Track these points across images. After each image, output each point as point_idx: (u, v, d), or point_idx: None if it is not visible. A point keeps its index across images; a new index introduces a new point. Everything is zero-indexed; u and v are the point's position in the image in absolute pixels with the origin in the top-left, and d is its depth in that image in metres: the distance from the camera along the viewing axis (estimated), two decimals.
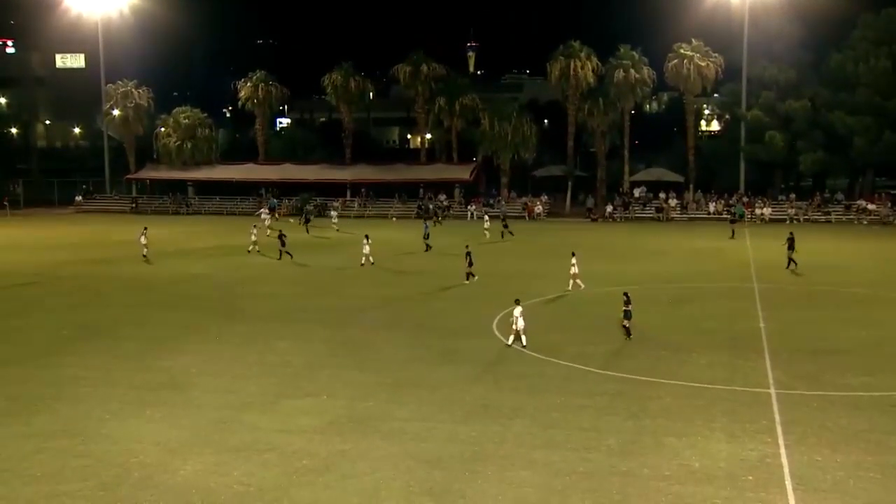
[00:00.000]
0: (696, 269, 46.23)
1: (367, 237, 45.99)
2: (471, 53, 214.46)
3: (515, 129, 77.99)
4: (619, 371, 25.67)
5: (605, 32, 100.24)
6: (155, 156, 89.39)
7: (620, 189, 79.78)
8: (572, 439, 20.04)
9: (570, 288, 38.12)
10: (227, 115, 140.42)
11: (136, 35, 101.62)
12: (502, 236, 55.78)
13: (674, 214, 74.85)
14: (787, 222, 71.06)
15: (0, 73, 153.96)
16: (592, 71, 77.70)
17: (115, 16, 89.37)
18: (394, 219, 73.17)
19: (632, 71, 76.57)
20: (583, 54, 77.71)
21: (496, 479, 17.86)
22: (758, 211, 73.11)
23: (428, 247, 51.88)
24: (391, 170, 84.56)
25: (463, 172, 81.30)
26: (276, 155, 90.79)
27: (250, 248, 51.09)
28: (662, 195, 77.30)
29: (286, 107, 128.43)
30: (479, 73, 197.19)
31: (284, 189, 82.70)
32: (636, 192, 79.31)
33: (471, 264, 40.53)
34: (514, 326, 28.56)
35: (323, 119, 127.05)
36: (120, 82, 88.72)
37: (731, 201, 75.31)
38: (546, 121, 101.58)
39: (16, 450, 19.55)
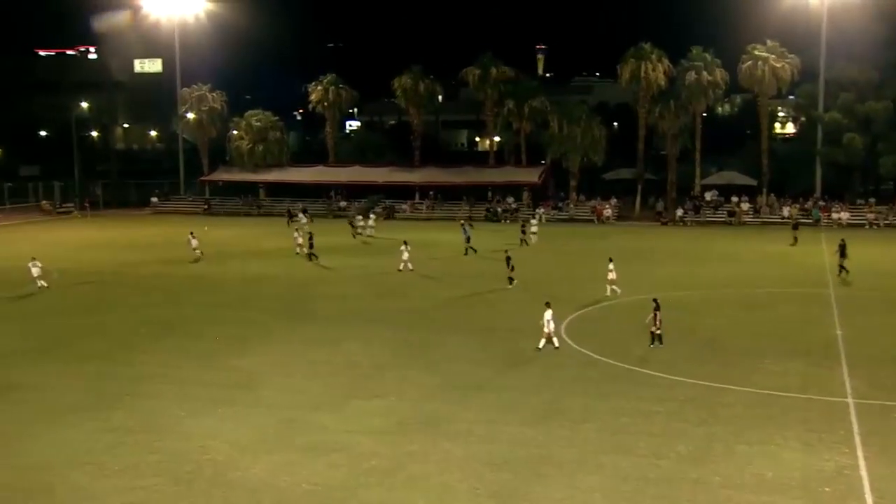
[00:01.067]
0: (769, 274, 45.26)
1: (405, 243, 45.95)
2: (540, 56, 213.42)
3: (585, 131, 77.37)
4: (689, 377, 25.28)
5: (676, 34, 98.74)
6: (227, 158, 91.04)
7: (692, 192, 78.59)
8: (641, 445, 19.82)
9: (608, 294, 37.45)
10: (298, 117, 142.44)
11: (210, 40, 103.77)
12: (521, 243, 54.33)
13: (746, 218, 73.43)
14: (866, 227, 69.13)
15: (82, 78, 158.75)
16: (664, 73, 76.67)
17: (191, 21, 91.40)
18: (462, 221, 73.27)
19: (704, 73, 75.33)
20: (654, 56, 76.72)
21: (564, 484, 17.76)
22: (835, 215, 71.30)
23: (472, 250, 51.66)
24: (459, 172, 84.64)
25: (531, 175, 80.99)
26: (346, 157, 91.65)
27: (297, 250, 51.45)
28: (735, 199, 75.90)
29: (356, 109, 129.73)
30: (548, 75, 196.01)
31: (353, 191, 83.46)
32: (707, 196, 78.03)
33: (512, 269, 40.20)
34: (544, 329, 28.43)
35: (392, 122, 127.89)
36: (195, 86, 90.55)
37: (806, 205, 73.59)
38: (616, 123, 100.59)
39: (96, 443, 20.15)
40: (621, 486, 17.56)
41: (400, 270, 44.68)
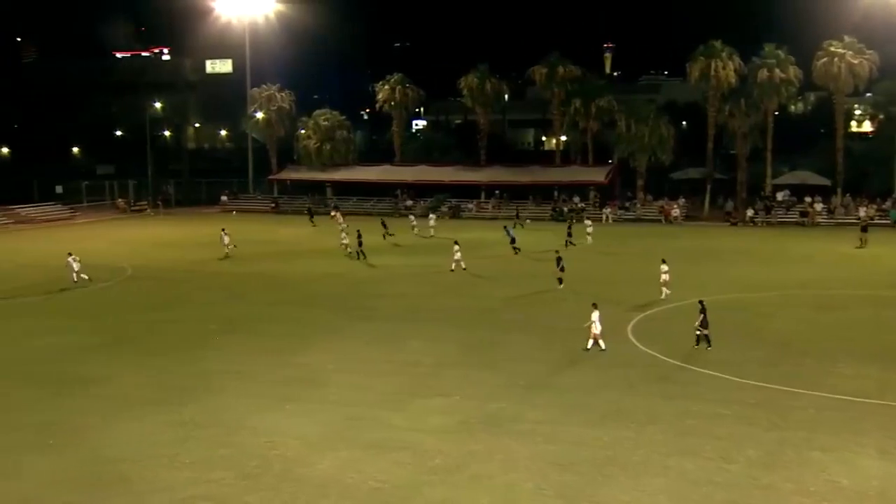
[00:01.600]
0: (843, 276, 44.13)
1: (456, 243, 45.83)
2: (607, 54, 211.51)
3: (652, 130, 76.43)
4: (759, 380, 24.80)
5: (748, 31, 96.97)
6: (295, 157, 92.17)
7: (763, 192, 77.03)
8: (709, 448, 19.50)
9: (662, 297, 36.76)
10: (365, 117, 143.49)
11: (279, 40, 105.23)
12: (566, 245, 53.21)
13: (820, 219, 71.64)
14: None
15: (156, 78, 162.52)
16: (734, 71, 75.29)
17: (261, 22, 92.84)
18: (528, 221, 72.98)
19: (777, 70, 73.72)
20: (724, 54, 75.35)
21: (629, 486, 17.58)
22: None
23: (516, 250, 51.41)
24: (525, 172, 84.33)
25: (598, 175, 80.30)
26: (412, 156, 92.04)
27: (348, 250, 51.58)
28: (808, 199, 74.14)
29: (422, 109, 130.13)
30: (615, 74, 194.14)
31: (419, 190, 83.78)
32: (779, 196, 76.35)
33: (562, 269, 39.69)
34: (591, 330, 28.15)
35: (458, 121, 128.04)
36: (264, 86, 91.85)
37: (883, 205, 71.53)
38: (684, 122, 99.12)
39: (168, 437, 20.61)
40: (688, 490, 17.31)
41: (452, 270, 44.59)
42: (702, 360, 26.89)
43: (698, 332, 28.48)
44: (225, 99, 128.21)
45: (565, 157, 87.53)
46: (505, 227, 55.66)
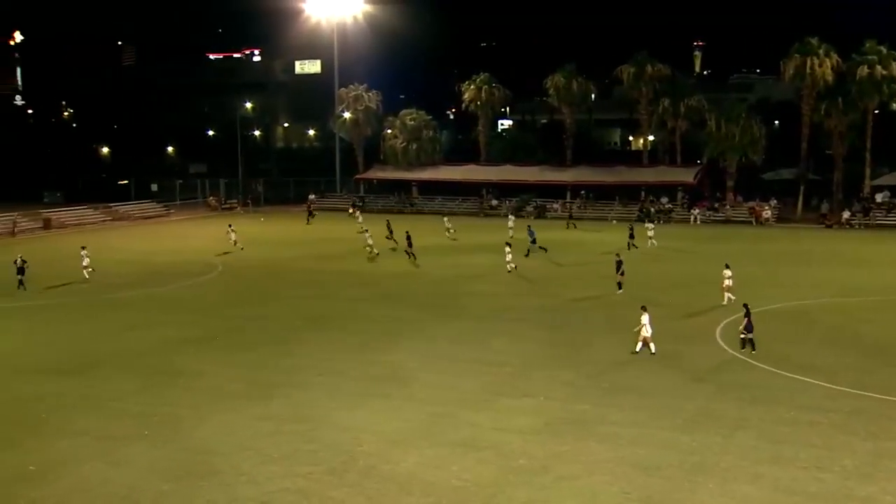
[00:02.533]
0: None
1: (508, 245, 45.38)
2: (697, 53, 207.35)
3: (744, 130, 74.61)
4: (856, 387, 23.99)
5: (847, 27, 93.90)
6: (382, 156, 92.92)
7: (861, 194, 74.46)
8: (802, 457, 18.96)
9: (724, 302, 35.67)
10: (451, 116, 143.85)
11: (367, 40, 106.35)
12: (629, 248, 51.63)
13: None
14: None
15: (247, 79, 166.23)
16: (831, 68, 72.99)
17: (349, 22, 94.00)
18: (613, 221, 72.11)
19: (878, 67, 71.17)
20: (821, 51, 73.09)
21: (718, 492, 17.22)
22: None
23: (542, 249, 50.44)
24: (612, 172, 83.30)
25: (686, 175, 78.80)
26: (497, 156, 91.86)
27: (374, 252, 51.30)
28: None
29: (508, 108, 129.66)
30: (705, 73, 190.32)
31: (504, 190, 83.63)
32: (878, 198, 73.66)
33: (622, 273, 38.59)
34: (641, 333, 27.70)
35: (544, 120, 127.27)
36: (351, 86, 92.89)
37: None
38: (777, 122, 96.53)
39: (256, 431, 21.05)
40: (780, 500, 16.87)
41: (509, 272, 44.13)
42: (794, 366, 26.16)
43: (743, 336, 28.06)
44: (313, 99, 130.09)
45: (653, 157, 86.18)
46: (529, 226, 53.98)
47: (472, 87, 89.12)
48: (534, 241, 51.15)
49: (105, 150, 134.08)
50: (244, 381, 25.47)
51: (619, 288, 38.38)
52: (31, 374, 26.52)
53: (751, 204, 75.06)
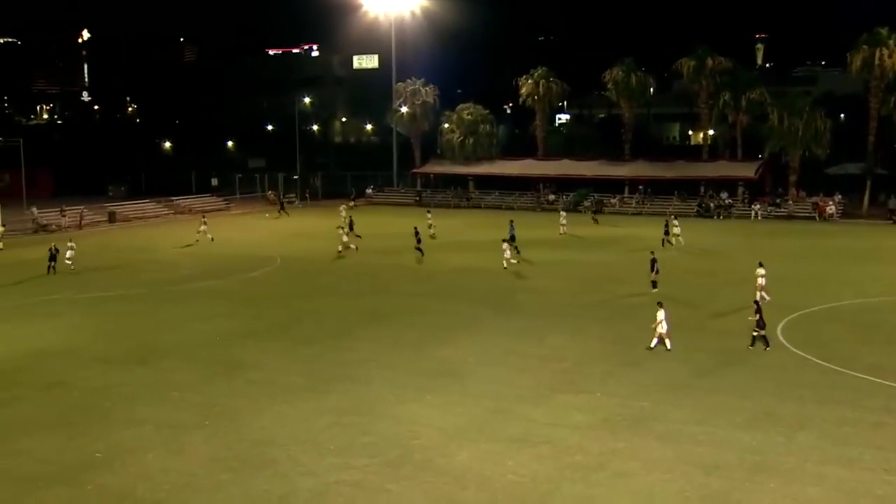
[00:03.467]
0: None
1: (504, 241, 45.31)
2: (759, 45, 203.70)
3: (807, 124, 73.03)
4: None
5: None
6: (438, 151, 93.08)
7: None
8: (867, 458, 18.53)
9: (758, 300, 34.75)
10: (508, 111, 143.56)
11: (424, 35, 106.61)
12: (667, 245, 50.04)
13: None
14: None
15: (306, 74, 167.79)
16: None
17: (407, 17, 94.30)
18: (672, 217, 71.29)
19: None
20: (891, 42, 71.18)
21: (780, 494, 16.92)
22: None
23: (515, 250, 48.01)
24: (671, 167, 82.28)
25: (747, 170, 77.44)
26: (555, 151, 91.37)
27: (347, 248, 50.84)
28: None
29: (565, 103, 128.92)
30: (767, 65, 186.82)
31: (562, 184, 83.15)
32: None
33: (657, 272, 37.56)
34: (657, 329, 27.52)
35: (602, 115, 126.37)
36: (409, 80, 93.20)
37: None
38: (842, 115, 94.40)
39: (314, 423, 21.27)
40: (846, 502, 16.50)
41: (505, 268, 43.86)
42: (861, 365, 25.56)
43: (755, 333, 27.73)
44: (371, 94, 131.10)
45: (713, 151, 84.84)
46: (511, 221, 52.63)
47: (529, 81, 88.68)
48: (513, 239, 49.33)
49: (167, 144, 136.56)
50: (302, 374, 25.74)
51: (654, 287, 37.21)
52: (98, 364, 27.16)
53: (814, 199, 73.48)
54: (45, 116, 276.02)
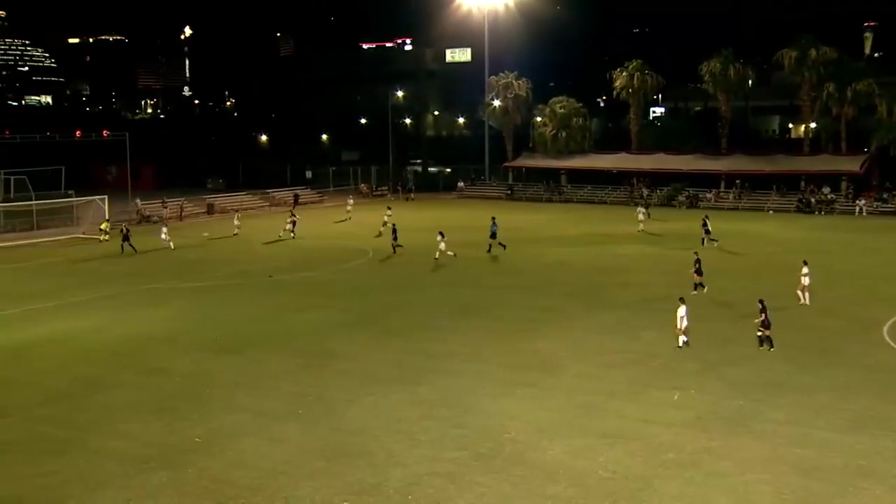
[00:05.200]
0: None
1: (441, 234, 44.90)
2: (868, 34, 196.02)
3: None
4: None
5: None
6: (531, 144, 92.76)
7: None
8: None
9: (801, 301, 33.45)
10: (601, 104, 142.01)
11: (517, 27, 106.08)
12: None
13: None
14: None
15: (399, 68, 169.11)
16: None
17: (500, 10, 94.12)
18: (770, 212, 69.43)
19: None
20: None
21: (888, 500, 16.35)
22: None
23: (500, 246, 47.65)
24: (770, 161, 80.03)
25: (852, 164, 74.79)
26: (649, 144, 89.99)
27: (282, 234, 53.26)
28: None
29: (660, 95, 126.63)
30: (876, 55, 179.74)
31: (656, 179, 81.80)
32: None
33: (700, 273, 35.97)
34: (678, 326, 26.98)
35: (698, 108, 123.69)
36: (502, 74, 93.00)
37: None
38: None
39: (406, 414, 21.51)
40: None
41: (436, 259, 44.18)
42: None
43: (759, 333, 26.89)
44: (463, 87, 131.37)
45: (815, 145, 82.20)
46: (493, 217, 50.20)
47: (623, 73, 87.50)
48: (494, 236, 48.39)
49: (264, 137, 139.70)
50: (393, 365, 26.03)
51: (695, 289, 35.26)
52: (198, 351, 28.02)
53: None
54: (149, 111, 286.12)
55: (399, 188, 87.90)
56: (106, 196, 59.87)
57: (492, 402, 22.38)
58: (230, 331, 30.85)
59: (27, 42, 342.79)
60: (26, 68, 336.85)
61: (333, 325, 31.45)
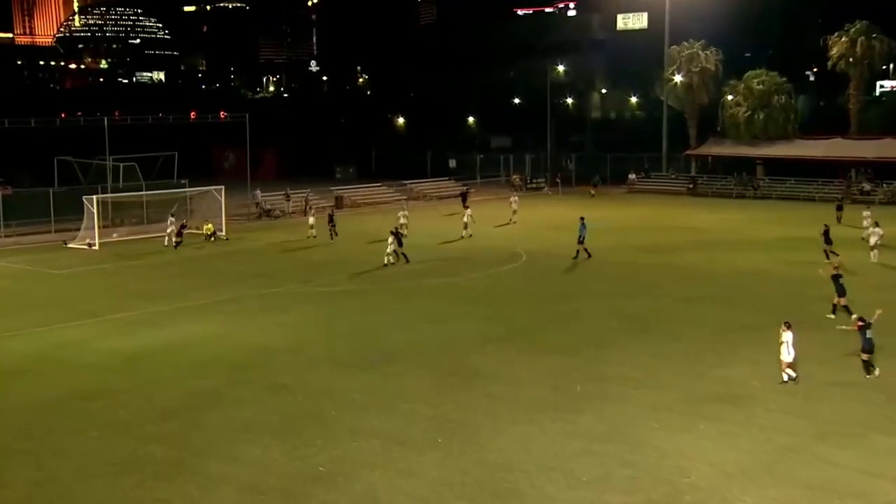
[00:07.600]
0: None
1: (391, 233, 46.67)
2: None
3: None
4: None
5: None
6: (719, 128, 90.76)
7: None
8: None
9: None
10: (811, 78, 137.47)
11: None
12: None
13: None
14: None
15: (560, 38, 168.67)
16: None
17: None
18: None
19: None
20: None
21: None
22: None
23: (585, 252, 46.91)
24: None
25: None
26: (874, 127, 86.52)
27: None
28: None
29: (891, 66, 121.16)
30: None
31: (882, 170, 78.15)
32: None
33: (842, 294, 33.75)
34: (783, 357, 25.83)
35: None
36: (685, 43, 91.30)
37: None
38: None
39: (562, 447, 21.38)
40: None
41: (385, 265, 45.34)
42: None
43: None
44: (637, 60, 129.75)
45: None
46: (581, 218, 48.66)
47: (843, 39, 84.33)
48: (581, 241, 47.34)
49: (400, 120, 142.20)
50: (549, 388, 25.92)
51: (833, 312, 33.78)
52: (323, 365, 28.77)
53: None
54: (271, 89, 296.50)
55: (557, 181, 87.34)
56: (223, 186, 61.78)
57: (667, 437, 21.95)
58: (359, 342, 31.55)
59: (139, 11, 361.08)
60: (137, 41, 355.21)
61: (478, 338, 31.62)
